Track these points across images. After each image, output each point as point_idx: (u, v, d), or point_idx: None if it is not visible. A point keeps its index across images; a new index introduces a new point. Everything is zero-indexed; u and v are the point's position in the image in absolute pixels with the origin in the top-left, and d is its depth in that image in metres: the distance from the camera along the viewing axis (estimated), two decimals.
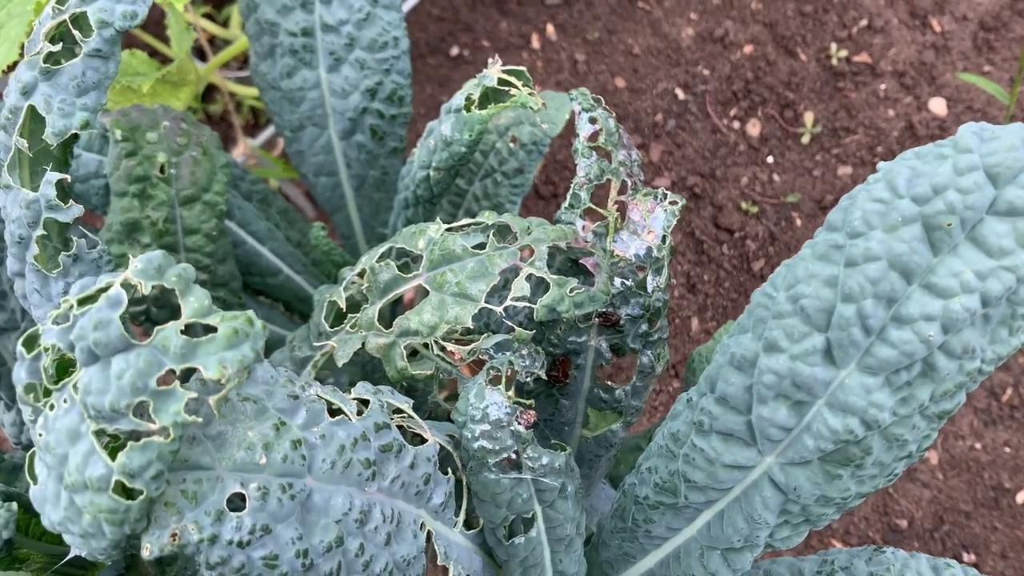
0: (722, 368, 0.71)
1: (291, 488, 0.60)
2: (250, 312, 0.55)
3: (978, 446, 1.89)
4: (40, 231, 0.73)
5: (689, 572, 0.81)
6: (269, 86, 1.12)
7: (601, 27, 2.10)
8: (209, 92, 2.00)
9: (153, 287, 0.53)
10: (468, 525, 0.79)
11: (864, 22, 2.07)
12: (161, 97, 1.23)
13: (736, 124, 2.02)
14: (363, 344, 0.81)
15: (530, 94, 0.90)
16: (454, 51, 2.11)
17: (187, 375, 0.54)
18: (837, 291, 0.64)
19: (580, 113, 0.90)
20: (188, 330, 0.54)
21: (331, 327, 0.85)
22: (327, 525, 0.61)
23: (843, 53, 2.04)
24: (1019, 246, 0.61)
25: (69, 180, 0.74)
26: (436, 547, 0.73)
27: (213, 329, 0.54)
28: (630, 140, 0.93)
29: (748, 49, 2.06)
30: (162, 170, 1.02)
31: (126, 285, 0.53)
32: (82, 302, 0.55)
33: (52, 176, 0.73)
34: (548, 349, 0.91)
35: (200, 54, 1.85)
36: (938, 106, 2.02)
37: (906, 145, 1.99)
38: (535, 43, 2.10)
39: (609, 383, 0.94)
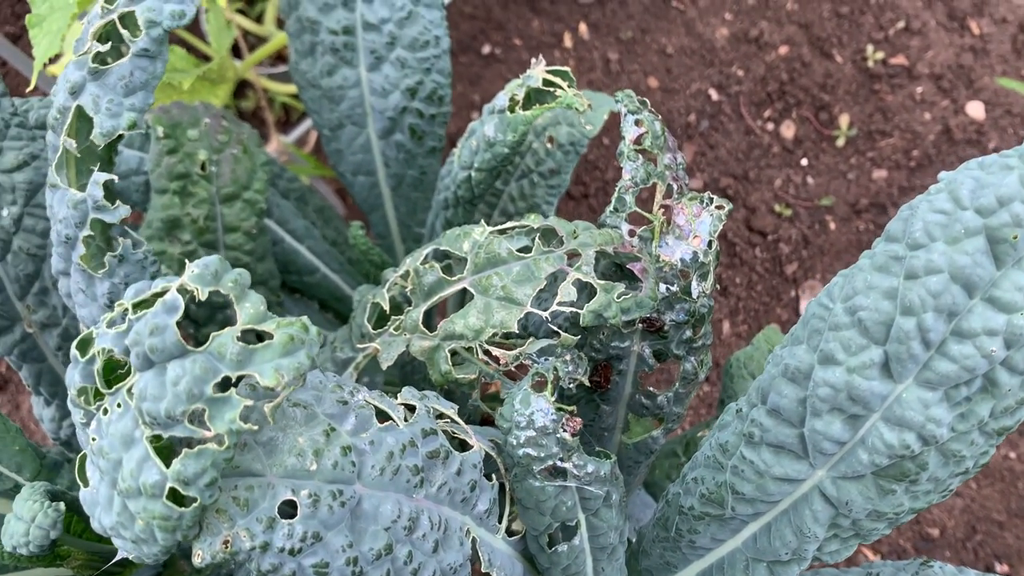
0: (775, 379, 0.69)
1: (341, 495, 0.59)
2: (305, 319, 0.55)
3: (1012, 455, 1.86)
4: (87, 231, 0.73)
5: None
6: (309, 84, 1.12)
7: (634, 26, 2.09)
8: (241, 88, 2.00)
9: (210, 293, 0.53)
10: (510, 532, 0.78)
11: (901, 24, 2.04)
12: (200, 94, 1.23)
13: (770, 126, 2.00)
14: (407, 347, 0.81)
15: (575, 95, 0.89)
16: (486, 49, 2.10)
17: (239, 382, 0.53)
18: (896, 303, 0.63)
19: (626, 115, 0.88)
20: (242, 336, 0.53)
21: (374, 329, 0.85)
22: (376, 532, 0.61)
23: (879, 55, 2.02)
24: None
25: (116, 180, 0.73)
26: (480, 554, 0.73)
27: (267, 335, 0.53)
28: (675, 143, 0.92)
29: (783, 50, 2.04)
30: (203, 167, 1.02)
31: (182, 290, 0.53)
32: (137, 306, 0.54)
33: (99, 176, 0.73)
34: (590, 354, 0.90)
35: (234, 50, 1.85)
36: (976, 110, 1.99)
37: (942, 149, 1.97)
38: (567, 42, 2.09)
39: (651, 389, 0.93)
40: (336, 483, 0.59)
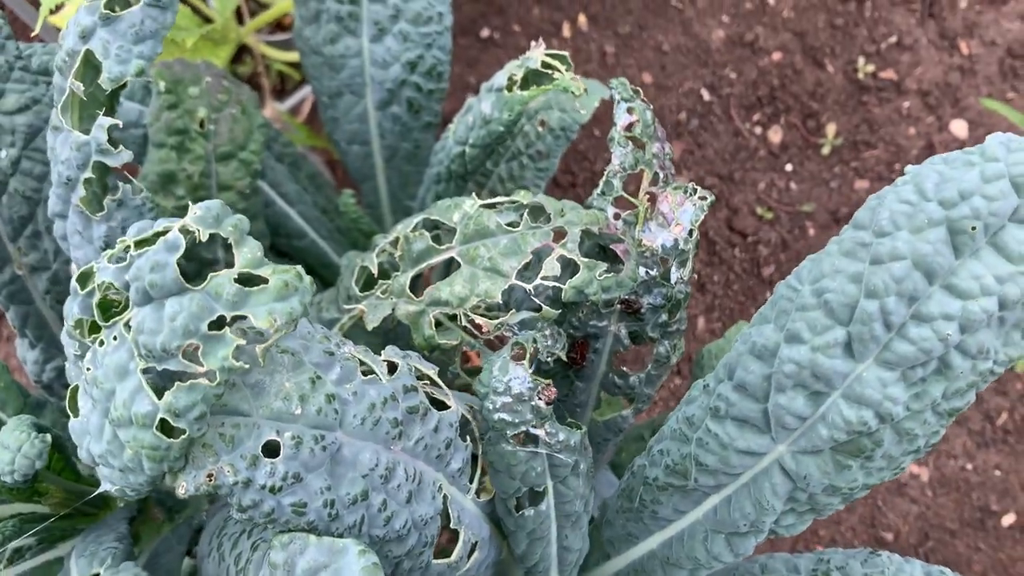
0: (742, 356, 0.73)
1: (323, 440, 0.61)
2: (299, 267, 0.57)
3: (969, 467, 1.91)
4: (88, 173, 0.75)
5: (692, 554, 0.83)
6: (311, 51, 1.14)
7: (633, 22, 2.11)
8: (239, 54, 2.01)
9: (210, 234, 0.55)
10: (480, 494, 0.81)
11: (893, 39, 2.08)
12: (202, 53, 1.25)
13: (758, 129, 2.04)
14: (393, 310, 0.83)
15: (572, 78, 0.92)
16: (484, 33, 2.12)
17: (234, 322, 0.56)
18: (861, 287, 0.66)
19: (619, 102, 0.91)
20: (239, 279, 0.55)
21: (361, 291, 0.87)
22: (354, 479, 0.63)
23: (870, 68, 2.06)
24: None
25: (121, 125, 0.75)
26: (450, 510, 0.75)
27: (263, 280, 0.56)
28: (663, 134, 0.95)
29: (776, 56, 2.07)
30: (201, 125, 1.04)
31: (184, 231, 0.55)
32: (139, 244, 0.56)
33: (104, 121, 0.75)
34: (569, 331, 0.93)
35: (237, 14, 1.86)
36: (959, 128, 2.03)
37: None
38: (566, 32, 2.11)
39: (624, 369, 0.96)
40: (319, 428, 0.62)
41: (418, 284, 0.87)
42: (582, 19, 2.12)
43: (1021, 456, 1.91)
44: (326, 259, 1.24)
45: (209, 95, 1.06)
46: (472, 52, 2.10)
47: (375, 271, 0.87)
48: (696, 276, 1.96)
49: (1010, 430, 1.94)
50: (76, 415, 0.61)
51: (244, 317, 0.55)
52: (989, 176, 0.63)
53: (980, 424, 1.94)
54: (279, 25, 1.99)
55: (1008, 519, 1.84)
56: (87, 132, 0.75)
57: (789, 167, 2.01)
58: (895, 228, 0.65)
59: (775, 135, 2.03)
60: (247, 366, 0.54)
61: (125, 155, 0.74)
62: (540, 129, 1.26)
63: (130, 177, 0.78)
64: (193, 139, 1.03)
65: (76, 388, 0.62)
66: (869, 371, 0.67)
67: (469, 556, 0.80)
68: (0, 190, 0.95)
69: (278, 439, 0.60)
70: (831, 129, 2.02)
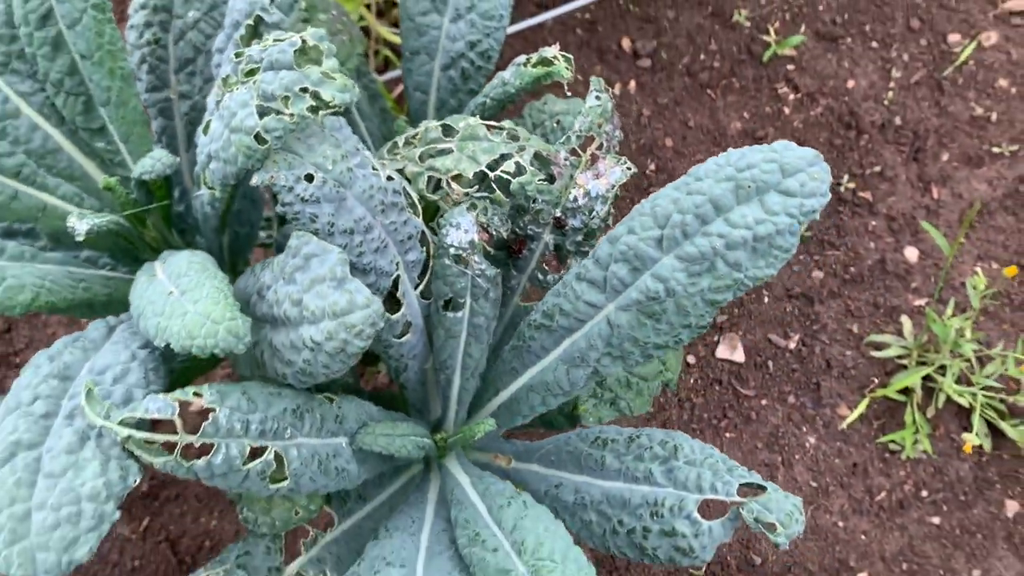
0: (602, 242, 1.15)
1: (338, 187, 1.05)
2: (351, 82, 1.01)
3: (841, 524, 2.25)
4: (249, 21, 1.21)
5: (553, 380, 1.23)
6: (407, 17, 1.61)
7: (672, 97, 2.58)
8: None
9: (315, 44, 1.00)
10: (423, 296, 1.24)
11: (878, 168, 2.50)
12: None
13: None
14: (403, 168, 1.27)
15: (567, 68, 1.37)
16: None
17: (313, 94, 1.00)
18: (676, 206, 1.08)
19: (592, 91, 1.36)
20: (322, 73, 1.00)
21: (387, 153, 1.32)
22: (348, 218, 1.07)
23: (852, 185, 2.48)
24: (783, 212, 1.04)
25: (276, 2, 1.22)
26: (399, 287, 1.18)
27: (332, 76, 1.00)
28: (618, 122, 1.38)
29: None
30: None
31: (301, 40, 1.00)
32: (276, 41, 1.02)
33: None
34: (516, 229, 1.36)
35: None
36: (912, 254, 2.43)
37: (875, 274, 2.40)
38: (616, 90, 2.58)
39: (546, 267, 1.38)
40: (337, 182, 1.06)
41: (423, 161, 1.31)
42: (632, 84, 2.59)
43: (887, 531, 2.24)
44: None
45: (331, 23, 1.53)
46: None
47: (401, 144, 1.31)
48: None
49: (884, 507, 2.27)
50: (206, 133, 1.06)
51: (318, 93, 0.99)
52: (768, 159, 1.06)
53: (861, 495, 2.28)
54: (395, 24, 2.50)
55: None
56: None
57: None
58: (706, 176, 1.08)
59: None
60: (312, 116, 0.99)
61: (276, 15, 1.20)
62: (555, 125, 1.71)
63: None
64: None
65: (209, 121, 1.07)
66: (668, 259, 1.09)
67: (404, 333, 1.22)
68: (180, 37, 1.43)
69: (314, 174, 1.03)
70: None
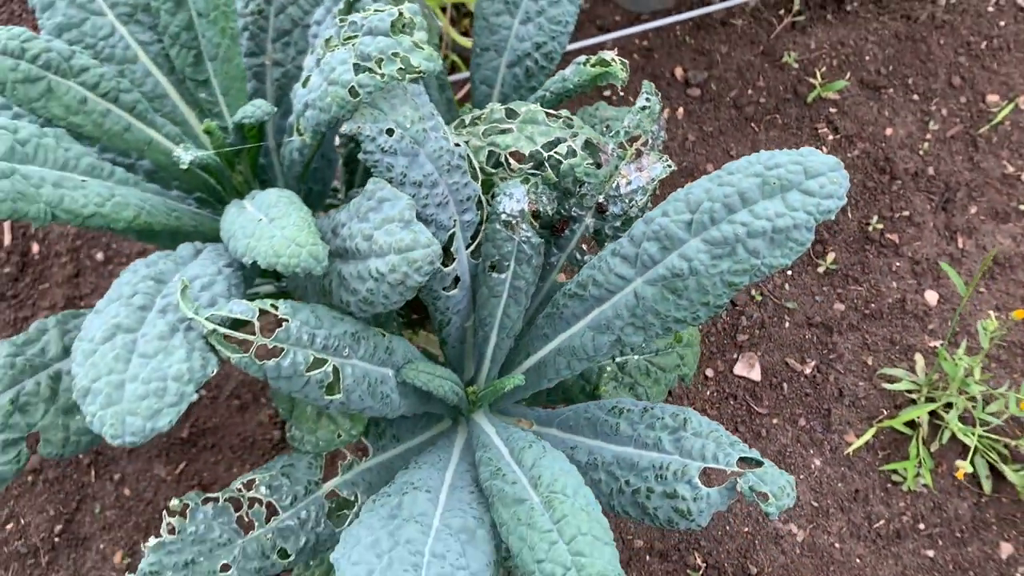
0: (638, 222, 1.28)
1: (413, 144, 1.20)
2: (437, 53, 1.17)
3: (838, 546, 2.34)
4: None
5: (579, 345, 1.37)
6: (481, 16, 1.77)
7: (717, 127, 2.72)
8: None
9: (410, 17, 1.16)
10: (473, 255, 1.38)
11: (907, 213, 2.62)
12: None
13: None
14: (467, 141, 1.42)
15: (622, 70, 1.51)
16: (607, 92, 2.76)
17: (402, 60, 1.15)
18: (707, 195, 1.22)
19: (643, 93, 1.50)
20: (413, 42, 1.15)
21: (454, 129, 1.47)
22: (419, 172, 1.21)
23: (880, 226, 2.59)
24: (802, 209, 1.18)
25: None
26: (455, 242, 1.32)
27: (421, 46, 1.16)
28: (663, 123, 1.53)
29: None
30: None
31: (399, 11, 1.16)
32: (376, 11, 1.18)
33: None
34: (561, 211, 1.50)
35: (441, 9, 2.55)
36: (931, 297, 2.53)
37: (894, 312, 2.51)
38: (665, 114, 2.73)
39: (584, 248, 1.52)
40: (413, 139, 1.21)
41: (488, 137, 1.46)
42: (681, 111, 2.74)
43: (882, 558, 2.33)
44: None
45: (420, 4, 1.69)
46: (588, 96, 2.73)
47: (467, 121, 1.46)
48: None
49: (882, 535, 2.36)
50: (305, 86, 1.22)
51: (408, 59, 1.15)
52: (794, 161, 1.19)
53: (860, 520, 2.37)
54: (466, 34, 2.67)
55: None
56: None
57: (789, 271, 2.54)
58: (737, 171, 1.22)
59: None
60: (399, 79, 1.14)
61: None
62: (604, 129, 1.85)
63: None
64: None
65: (308, 76, 1.23)
66: (694, 241, 1.22)
67: (453, 287, 1.36)
68: (280, 10, 1.60)
69: (394, 129, 1.18)
70: (831, 256, 2.55)
